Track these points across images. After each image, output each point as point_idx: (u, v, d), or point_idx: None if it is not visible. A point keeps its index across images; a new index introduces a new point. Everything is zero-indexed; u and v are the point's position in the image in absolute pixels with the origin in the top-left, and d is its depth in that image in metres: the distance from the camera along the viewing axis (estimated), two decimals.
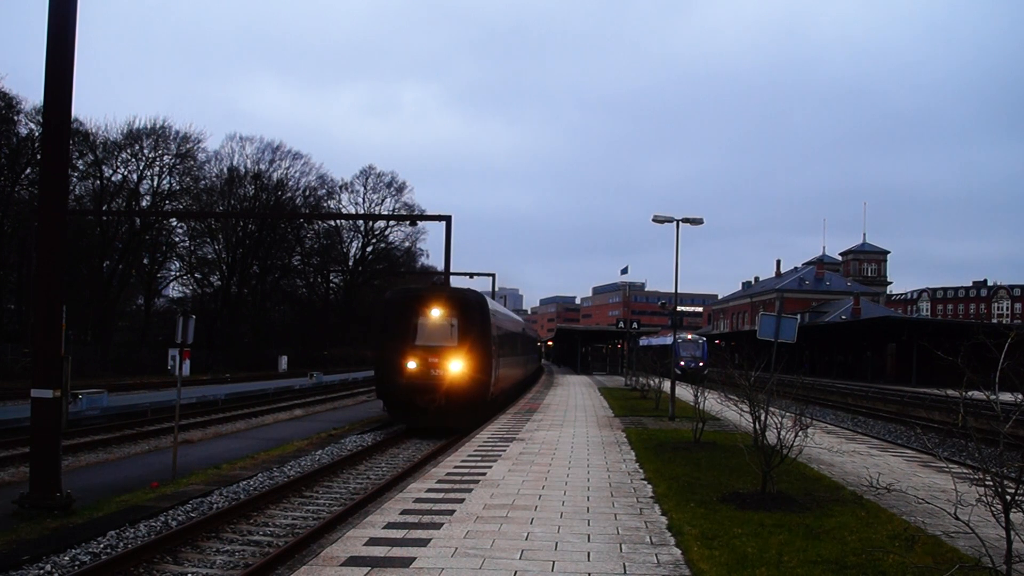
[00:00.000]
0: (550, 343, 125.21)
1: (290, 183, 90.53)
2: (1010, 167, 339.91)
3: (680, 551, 9.97)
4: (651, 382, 39.61)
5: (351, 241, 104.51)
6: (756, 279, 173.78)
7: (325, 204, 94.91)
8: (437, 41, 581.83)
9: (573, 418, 29.13)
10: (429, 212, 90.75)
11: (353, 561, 9.28)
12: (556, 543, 10.25)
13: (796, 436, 13.58)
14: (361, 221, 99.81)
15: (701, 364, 72.73)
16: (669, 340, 73.33)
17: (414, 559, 9.37)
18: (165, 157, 74.65)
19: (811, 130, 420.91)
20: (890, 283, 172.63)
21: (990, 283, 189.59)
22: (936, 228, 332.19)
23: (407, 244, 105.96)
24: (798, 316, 26.02)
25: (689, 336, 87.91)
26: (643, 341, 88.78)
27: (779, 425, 13.79)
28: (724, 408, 19.04)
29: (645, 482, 15.04)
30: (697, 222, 32.21)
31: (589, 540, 10.44)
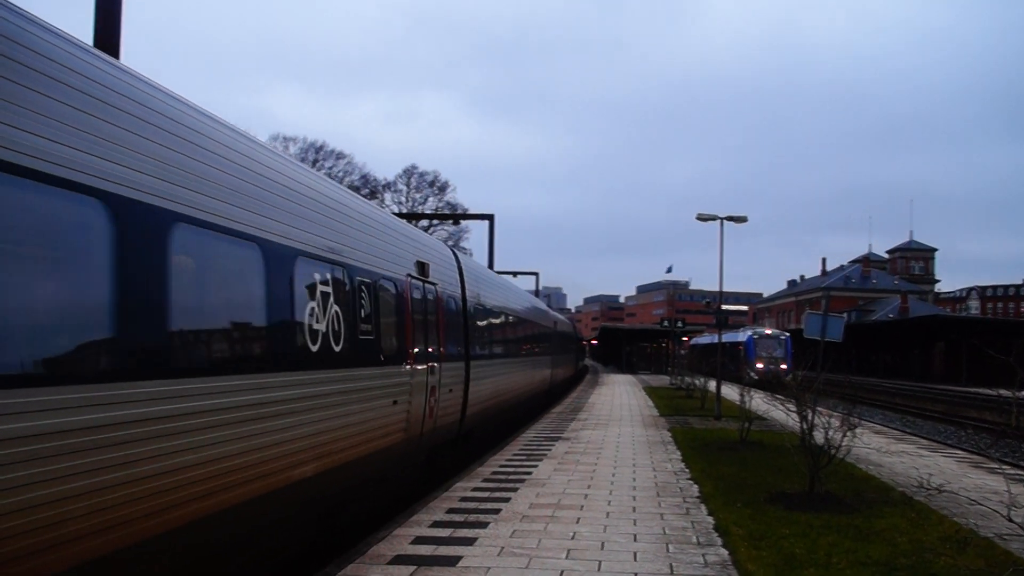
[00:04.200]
0: (594, 342, 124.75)
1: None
2: None
3: (727, 552, 9.92)
4: (696, 381, 39.35)
5: None
6: (802, 277, 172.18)
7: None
8: (450, 50, 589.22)
9: (618, 417, 29.03)
10: (469, 212, 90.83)
11: (400, 560, 9.32)
12: (602, 543, 10.24)
13: (844, 436, 13.46)
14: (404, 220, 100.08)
15: (784, 367, 53.90)
16: (740, 336, 64.19)
17: (460, 558, 9.40)
18: None
19: (827, 130, 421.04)
20: (938, 281, 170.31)
21: None
22: (982, 226, 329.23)
23: (450, 243, 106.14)
24: (845, 315, 25.73)
25: (768, 331, 67.71)
26: (704, 339, 79.85)
27: (826, 425, 13.68)
28: (771, 408, 18.89)
29: (691, 482, 14.98)
30: (741, 220, 32.02)
31: (635, 540, 10.42)
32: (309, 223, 9.32)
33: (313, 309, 9.15)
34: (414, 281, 13.37)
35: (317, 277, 9.36)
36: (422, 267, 14.00)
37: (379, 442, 11.15)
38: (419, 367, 13.01)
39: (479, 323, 19.16)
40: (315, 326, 9.15)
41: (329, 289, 9.58)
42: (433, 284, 14.66)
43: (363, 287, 10.70)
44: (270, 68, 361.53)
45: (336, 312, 9.69)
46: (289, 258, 8.63)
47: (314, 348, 9.07)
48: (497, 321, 22.23)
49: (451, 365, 15.45)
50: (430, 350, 13.93)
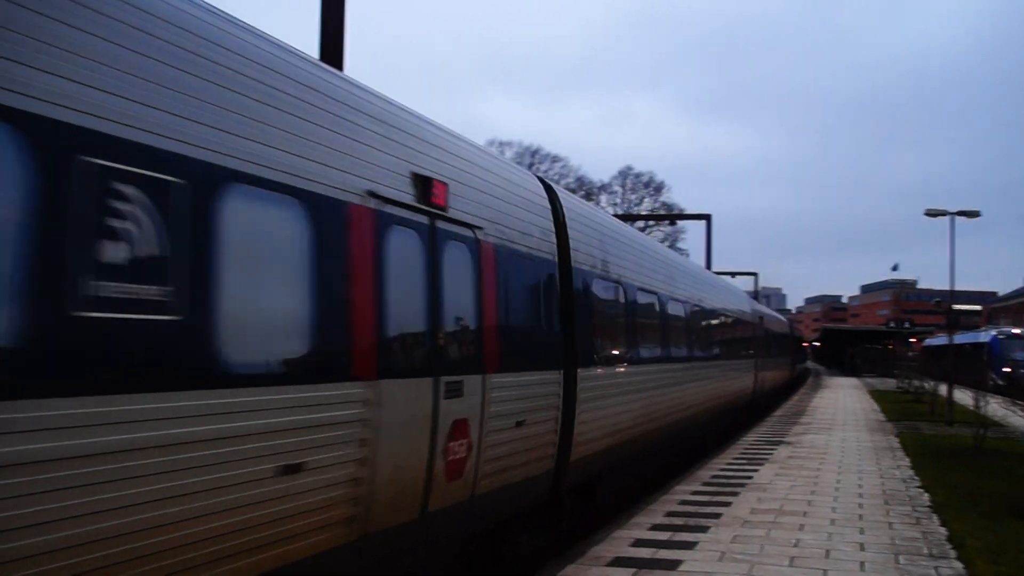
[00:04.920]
0: (816, 343, 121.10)
1: None
2: None
3: (962, 565, 9.46)
4: (926, 384, 37.63)
5: None
6: None
7: None
8: (660, 52, 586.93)
9: (842, 421, 28.11)
10: (685, 212, 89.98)
11: (619, 562, 9.38)
12: (827, 551, 9.97)
13: None
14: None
15: None
16: (983, 337, 59.37)
17: (680, 562, 9.36)
18: None
19: None
20: None
21: None
22: None
23: (667, 244, 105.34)
24: None
25: (1017, 331, 58.71)
26: (938, 339, 74.50)
27: None
28: (1008, 413, 17.88)
29: (921, 490, 14.35)
30: (973, 215, 30.39)
31: (862, 549, 10.09)
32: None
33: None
34: (393, 211, 6.95)
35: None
36: (424, 187, 7.47)
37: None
38: (399, 384, 6.86)
39: (602, 308, 12.15)
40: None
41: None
42: (468, 228, 8.25)
43: (115, 183, 4.52)
44: (485, 76, 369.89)
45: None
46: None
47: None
48: (647, 308, 14.61)
49: (523, 378, 9.22)
50: (447, 351, 7.70)
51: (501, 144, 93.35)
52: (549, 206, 10.69)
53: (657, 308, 15.33)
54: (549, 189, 11.09)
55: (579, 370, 10.66)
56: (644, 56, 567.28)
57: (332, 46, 14.12)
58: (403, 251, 7.07)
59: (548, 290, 10.18)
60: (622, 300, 13.11)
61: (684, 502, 12.96)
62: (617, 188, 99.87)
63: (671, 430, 16.36)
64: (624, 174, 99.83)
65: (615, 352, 12.67)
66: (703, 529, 11.03)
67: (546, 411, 9.82)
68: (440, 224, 7.68)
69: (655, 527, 11.16)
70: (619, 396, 12.46)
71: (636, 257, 14.46)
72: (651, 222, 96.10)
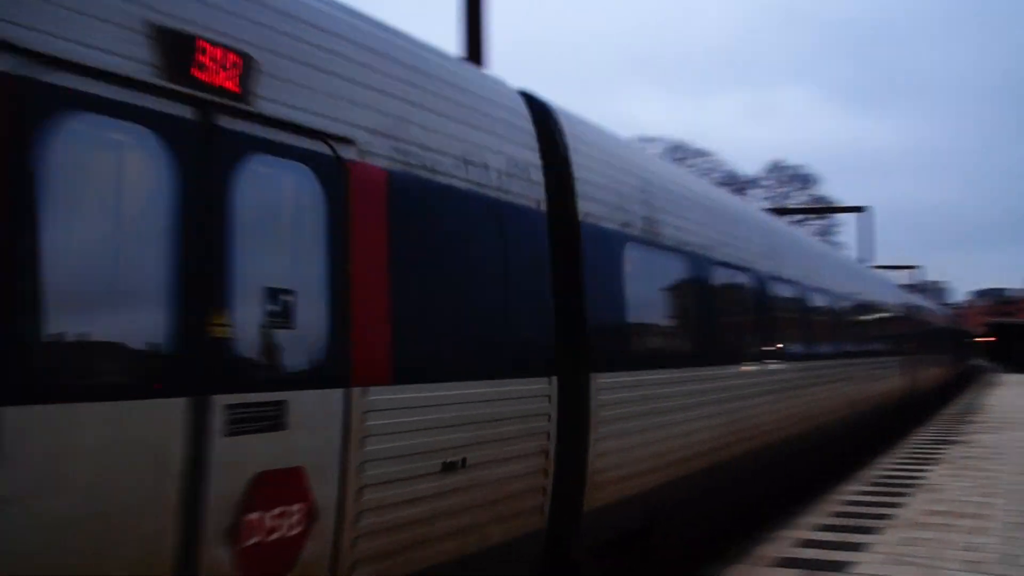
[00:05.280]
0: (989, 339, 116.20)
1: None
2: None
3: None
4: None
5: None
6: None
7: None
8: (805, 43, 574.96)
9: (1019, 420, 26.92)
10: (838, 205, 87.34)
11: (785, 562, 9.24)
12: (1005, 556, 9.57)
13: None
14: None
15: None
16: None
17: (849, 564, 9.16)
18: None
19: None
20: None
21: None
22: None
23: (821, 238, 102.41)
24: None
25: None
26: None
27: None
28: None
29: None
30: None
31: None
32: None
33: None
34: (77, 86, 3.71)
35: None
36: (178, 52, 4.11)
37: None
38: (70, 414, 3.57)
39: (643, 287, 8.54)
40: None
41: None
42: (315, 137, 4.85)
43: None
44: (630, 72, 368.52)
45: None
46: None
47: None
48: (730, 289, 11.04)
49: (459, 392, 5.81)
50: (239, 347, 4.31)
51: (649, 139, 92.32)
52: (532, 128, 7.14)
53: (750, 291, 11.70)
54: (538, 105, 7.51)
55: (595, 376, 7.29)
56: (788, 47, 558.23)
57: (474, 41, 14.40)
58: (113, 162, 3.94)
59: (524, 255, 6.68)
60: (684, 277, 9.58)
61: (850, 502, 12.66)
62: (768, 182, 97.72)
63: (781, 447, 12.67)
64: (774, 167, 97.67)
65: (671, 348, 9.35)
66: (870, 531, 10.74)
67: (519, 441, 6.43)
68: (227, 123, 4.39)
69: (821, 527, 10.94)
70: (678, 412, 8.85)
71: (712, 220, 10.74)
72: (803, 217, 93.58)
